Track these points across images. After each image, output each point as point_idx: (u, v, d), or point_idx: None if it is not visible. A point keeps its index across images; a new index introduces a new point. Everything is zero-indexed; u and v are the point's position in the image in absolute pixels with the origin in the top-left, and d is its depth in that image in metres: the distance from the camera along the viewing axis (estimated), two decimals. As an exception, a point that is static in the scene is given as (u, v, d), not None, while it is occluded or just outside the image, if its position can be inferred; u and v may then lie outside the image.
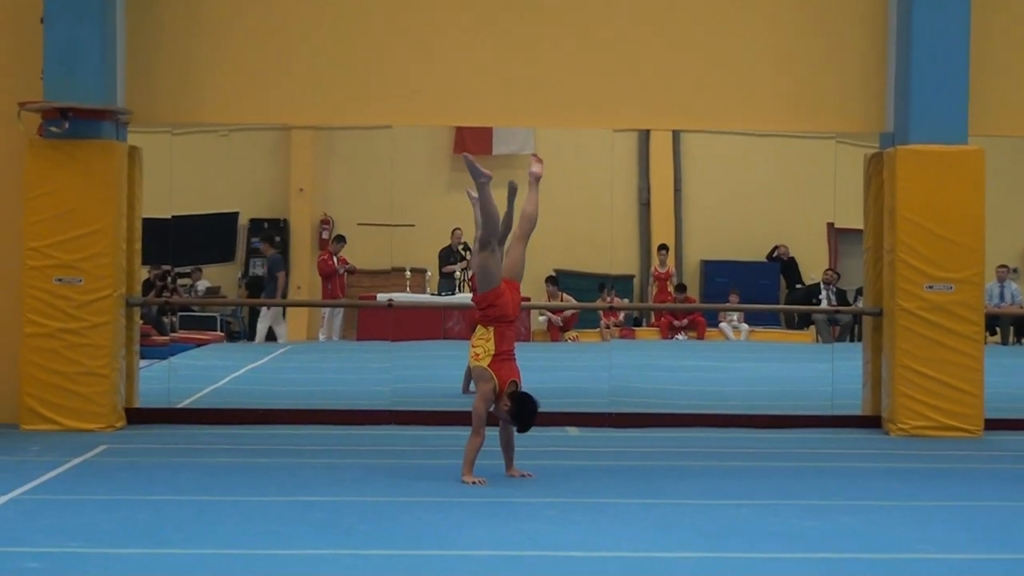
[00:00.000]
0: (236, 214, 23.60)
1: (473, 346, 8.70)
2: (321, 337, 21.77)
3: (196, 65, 11.69)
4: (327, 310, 21.77)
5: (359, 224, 22.86)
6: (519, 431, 8.71)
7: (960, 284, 11.25)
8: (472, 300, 8.77)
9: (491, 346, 8.62)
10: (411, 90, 11.79)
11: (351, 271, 22.30)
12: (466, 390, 13.02)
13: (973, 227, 11.27)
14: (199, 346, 19.27)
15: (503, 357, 8.63)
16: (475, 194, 9.30)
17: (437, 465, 9.38)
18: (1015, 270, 23.82)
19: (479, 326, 8.74)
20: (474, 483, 8.43)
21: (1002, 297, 22.90)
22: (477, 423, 8.54)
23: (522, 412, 8.56)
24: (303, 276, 23.53)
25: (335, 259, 22.18)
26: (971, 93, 11.37)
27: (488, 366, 8.58)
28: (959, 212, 11.26)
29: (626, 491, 8.45)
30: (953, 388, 11.23)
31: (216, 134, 22.78)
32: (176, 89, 11.68)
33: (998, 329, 22.50)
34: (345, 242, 22.27)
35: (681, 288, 22.52)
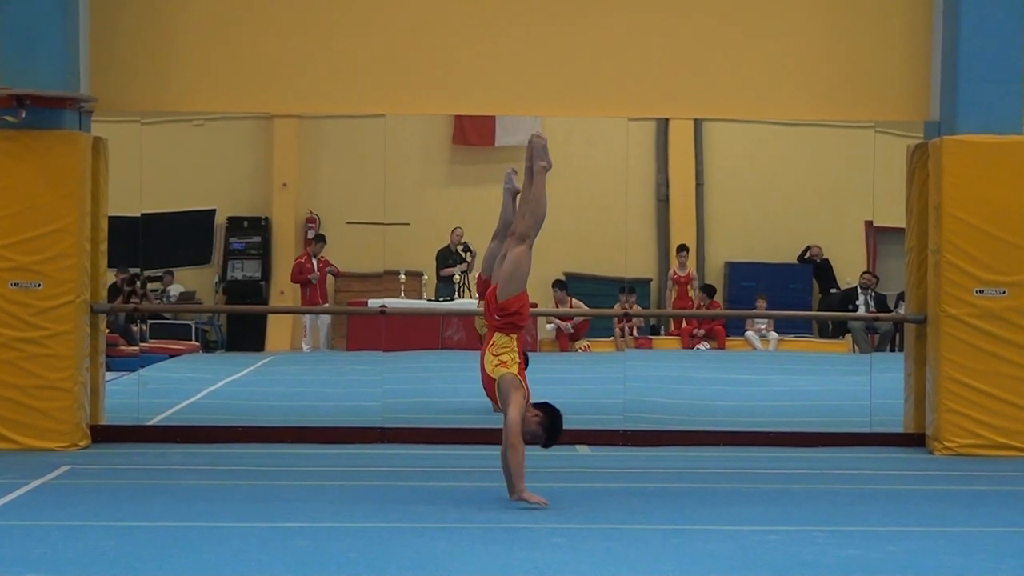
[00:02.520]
0: (213, 212, 23.61)
1: (496, 355, 8.67)
2: (305, 348, 21.78)
3: (168, 47, 11.69)
4: (308, 318, 21.78)
5: (348, 223, 22.88)
6: (545, 446, 8.72)
7: (1014, 288, 11.23)
8: (489, 303, 8.72)
9: (516, 355, 8.63)
10: (406, 75, 11.79)
11: (334, 273, 22.30)
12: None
13: (1028, 225, 11.25)
14: (172, 357, 19.29)
15: (523, 368, 8.67)
16: (516, 183, 9.25)
17: (433, 488, 9.37)
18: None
19: (498, 333, 8.71)
20: (536, 502, 8.43)
21: (1059, 303, 22.83)
22: (516, 435, 8.50)
23: (554, 424, 8.61)
24: (286, 280, 23.52)
25: (314, 261, 22.18)
26: (1025, 78, 11.35)
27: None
28: (1012, 208, 11.24)
29: (642, 516, 8.43)
30: (1005, 403, 11.20)
31: (190, 123, 22.81)
32: (145, 74, 11.68)
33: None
34: (325, 242, 22.28)
35: (708, 290, 22.50)
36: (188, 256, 23.41)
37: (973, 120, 11.31)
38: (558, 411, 8.66)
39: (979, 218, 11.22)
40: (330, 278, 22.77)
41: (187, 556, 7.17)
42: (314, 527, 7.94)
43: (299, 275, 22.02)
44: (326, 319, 21.65)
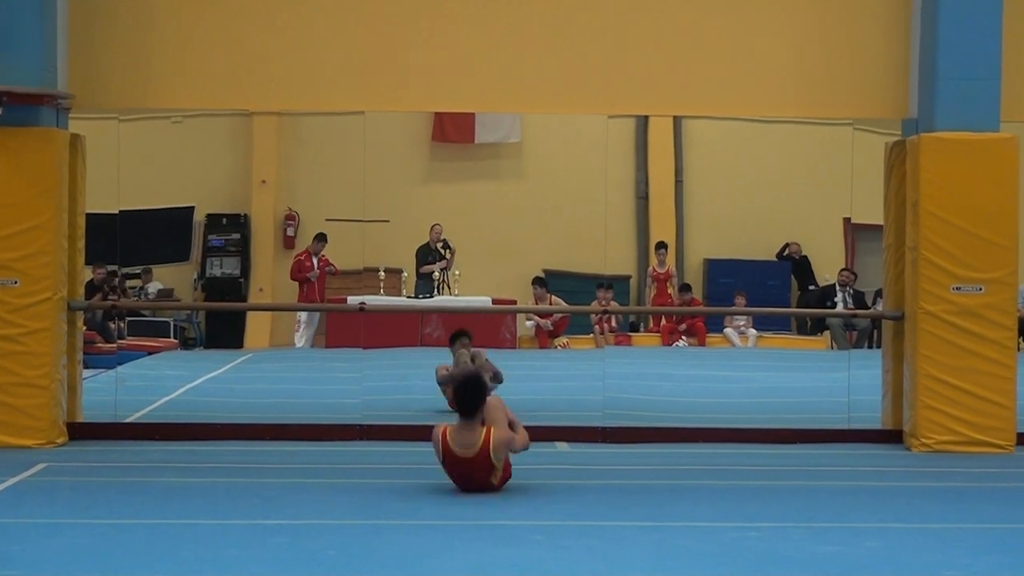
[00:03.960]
0: (191, 209, 23.55)
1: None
2: (298, 344, 21.74)
3: (146, 44, 11.64)
4: (303, 315, 21.73)
5: (328, 220, 22.84)
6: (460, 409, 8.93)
7: (990, 285, 11.27)
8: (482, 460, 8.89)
9: None
10: (385, 72, 11.77)
11: (333, 273, 22.29)
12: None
13: (1005, 222, 11.28)
14: (150, 354, 19.23)
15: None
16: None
17: (412, 485, 9.36)
18: (1051, 270, 23.86)
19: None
20: None
21: (1037, 300, 22.94)
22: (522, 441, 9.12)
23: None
24: (265, 277, 23.49)
25: (314, 260, 22.12)
26: (1003, 75, 11.37)
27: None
28: (989, 206, 11.27)
29: (621, 513, 8.44)
30: (982, 399, 11.24)
31: (169, 120, 22.74)
32: (123, 71, 11.64)
33: (1032, 335, 22.55)
34: (326, 241, 22.24)
35: (685, 288, 22.54)
36: (167, 253, 23.34)
37: (951, 117, 11.34)
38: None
39: (956, 215, 11.26)
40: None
41: (165, 553, 7.15)
42: (293, 524, 7.92)
43: (298, 273, 21.95)
44: (317, 317, 21.59)
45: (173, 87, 11.75)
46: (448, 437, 8.86)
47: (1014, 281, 11.39)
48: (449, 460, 8.89)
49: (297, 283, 22.04)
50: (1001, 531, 8.08)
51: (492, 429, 8.86)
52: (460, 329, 12.90)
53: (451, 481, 8.97)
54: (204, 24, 11.68)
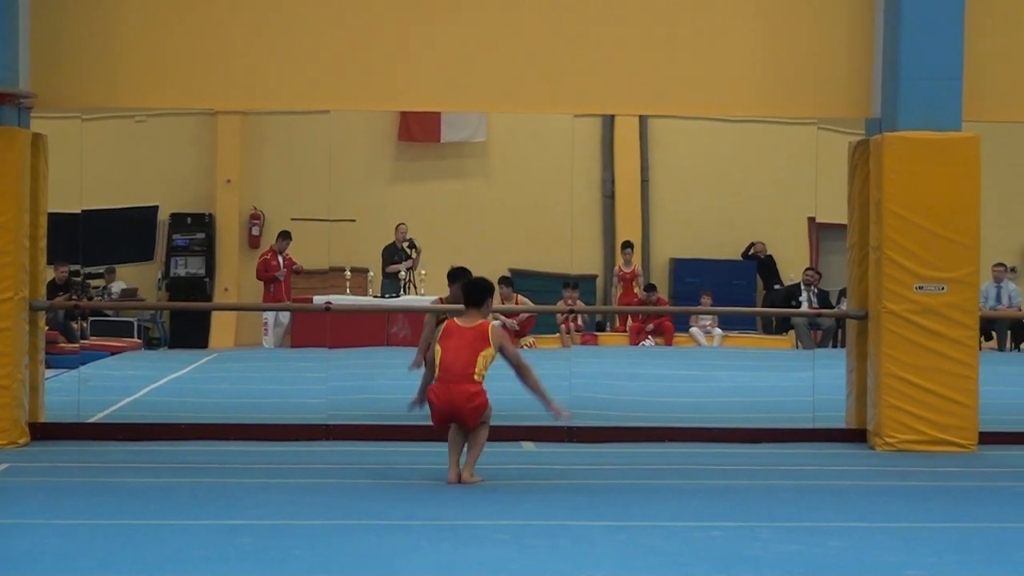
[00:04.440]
0: (155, 208, 23.47)
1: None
2: (266, 345, 21.67)
3: (109, 42, 11.59)
4: (270, 316, 21.64)
5: (293, 219, 22.80)
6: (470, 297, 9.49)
7: (953, 284, 11.34)
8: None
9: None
10: (351, 71, 11.76)
11: (298, 271, 22.23)
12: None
13: (967, 222, 11.36)
14: (113, 354, 19.15)
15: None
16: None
17: (378, 485, 9.36)
18: (1013, 269, 24.05)
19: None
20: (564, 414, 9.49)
21: (998, 299, 23.11)
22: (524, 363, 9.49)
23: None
24: (230, 276, 23.42)
25: (280, 258, 22.04)
26: (965, 75, 11.45)
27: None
28: (952, 205, 11.34)
29: (587, 512, 8.46)
30: (945, 399, 11.31)
31: (132, 120, 22.66)
32: (86, 69, 11.58)
33: (994, 334, 22.71)
34: (291, 239, 22.16)
35: (651, 288, 22.60)
36: (130, 253, 23.25)
37: (913, 117, 11.41)
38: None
39: (919, 215, 11.32)
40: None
41: (129, 554, 7.13)
42: (258, 524, 7.91)
43: (265, 272, 21.85)
44: (286, 317, 21.49)
45: (137, 86, 11.70)
46: (456, 320, 9.52)
47: (976, 280, 11.47)
48: (447, 332, 9.34)
49: (263, 283, 21.96)
50: (963, 530, 8.14)
51: (491, 323, 9.45)
52: (461, 268, 12.32)
53: (436, 377, 9.30)
54: (167, 22, 11.63)
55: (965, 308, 11.34)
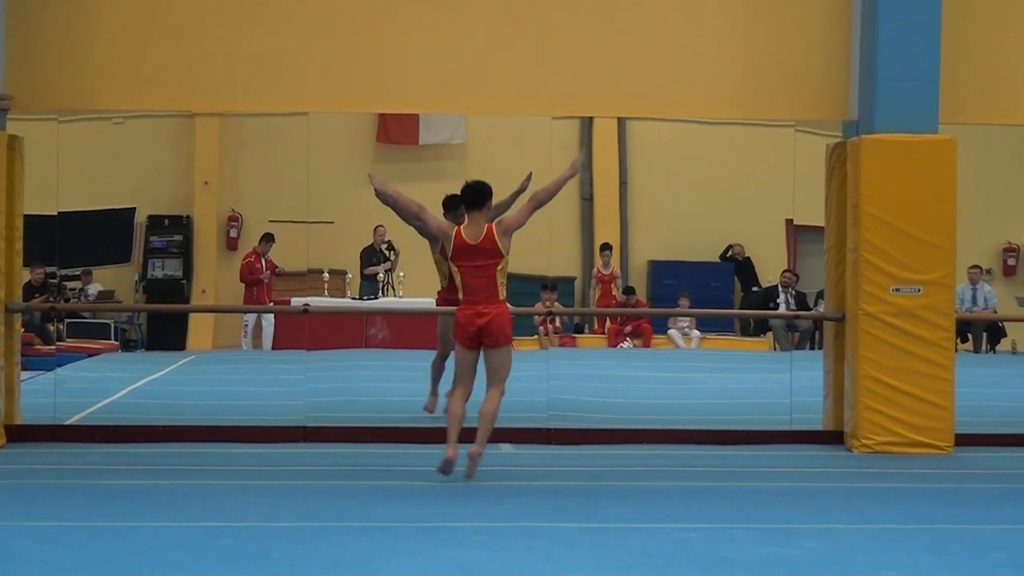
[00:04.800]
0: (132, 210, 23.40)
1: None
2: (244, 347, 21.64)
3: (86, 44, 11.57)
4: (250, 318, 21.58)
5: (271, 221, 22.77)
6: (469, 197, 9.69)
7: (929, 286, 11.38)
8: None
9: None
10: (329, 73, 11.75)
11: (280, 274, 22.19)
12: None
13: (943, 224, 11.40)
14: (90, 356, 19.09)
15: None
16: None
17: (356, 486, 9.36)
18: (988, 271, 24.19)
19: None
20: None
21: (974, 301, 23.23)
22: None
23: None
24: (208, 278, 23.37)
25: (263, 261, 21.98)
26: (942, 77, 11.51)
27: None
28: (928, 208, 11.39)
29: (564, 514, 8.47)
30: (921, 401, 11.35)
31: (109, 121, 22.60)
32: (63, 71, 11.55)
33: (970, 336, 22.82)
34: (274, 241, 22.12)
35: (629, 291, 22.64)
36: (107, 255, 23.18)
37: (890, 119, 11.46)
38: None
39: (896, 217, 11.36)
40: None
41: (106, 556, 7.11)
42: (236, 526, 7.90)
43: (249, 275, 21.78)
44: (268, 321, 21.42)
45: (114, 88, 11.66)
46: (463, 231, 9.64)
47: (951, 282, 11.52)
48: (458, 247, 9.58)
49: (246, 285, 21.90)
50: (940, 531, 8.18)
51: (493, 227, 9.68)
52: (453, 195, 12.19)
53: (462, 295, 9.63)
54: (145, 24, 11.60)
55: (941, 310, 11.38)
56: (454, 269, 9.73)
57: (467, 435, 9.66)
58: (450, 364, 10.65)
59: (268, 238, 22.12)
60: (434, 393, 12.63)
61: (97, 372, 17.13)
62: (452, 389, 9.89)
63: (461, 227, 9.70)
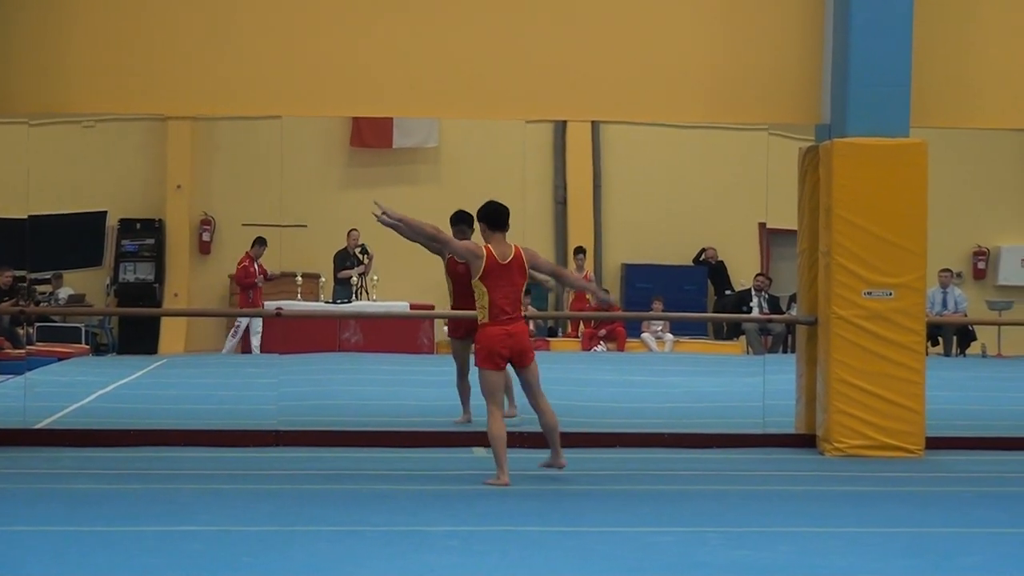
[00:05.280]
0: (104, 214, 23.31)
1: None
2: (225, 350, 21.43)
3: (57, 47, 11.51)
4: (242, 323, 21.42)
5: (244, 224, 22.72)
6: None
7: (900, 290, 11.42)
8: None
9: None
10: (302, 76, 11.72)
11: (270, 279, 22.13)
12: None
13: (914, 227, 11.45)
14: (60, 360, 18.99)
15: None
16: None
17: (328, 491, 9.33)
18: (959, 275, 24.30)
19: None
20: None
21: (945, 304, 23.34)
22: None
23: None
24: (180, 282, 23.30)
25: (256, 265, 21.87)
26: (913, 81, 11.55)
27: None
28: (900, 211, 11.43)
29: (537, 517, 8.47)
30: (892, 404, 11.39)
31: (80, 125, 22.49)
32: (33, 74, 11.48)
33: (940, 339, 22.92)
34: (266, 245, 22.05)
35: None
36: (78, 258, 23.08)
37: (862, 123, 11.49)
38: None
39: (867, 220, 11.40)
40: (232, 283, 22.61)
41: (77, 560, 7.07)
42: (207, 531, 7.87)
43: (246, 278, 21.62)
44: (258, 326, 21.28)
45: (85, 91, 11.61)
46: (492, 250, 9.70)
47: (922, 286, 11.56)
48: (489, 266, 9.63)
49: (241, 288, 21.72)
50: (911, 534, 8.20)
51: (520, 249, 9.82)
52: (462, 211, 12.42)
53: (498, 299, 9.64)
54: (116, 27, 11.55)
55: (912, 313, 11.42)
56: (481, 288, 9.68)
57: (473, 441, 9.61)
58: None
59: (260, 242, 21.99)
60: (467, 411, 12.61)
61: (68, 376, 17.05)
62: (492, 413, 9.77)
63: (489, 246, 9.73)
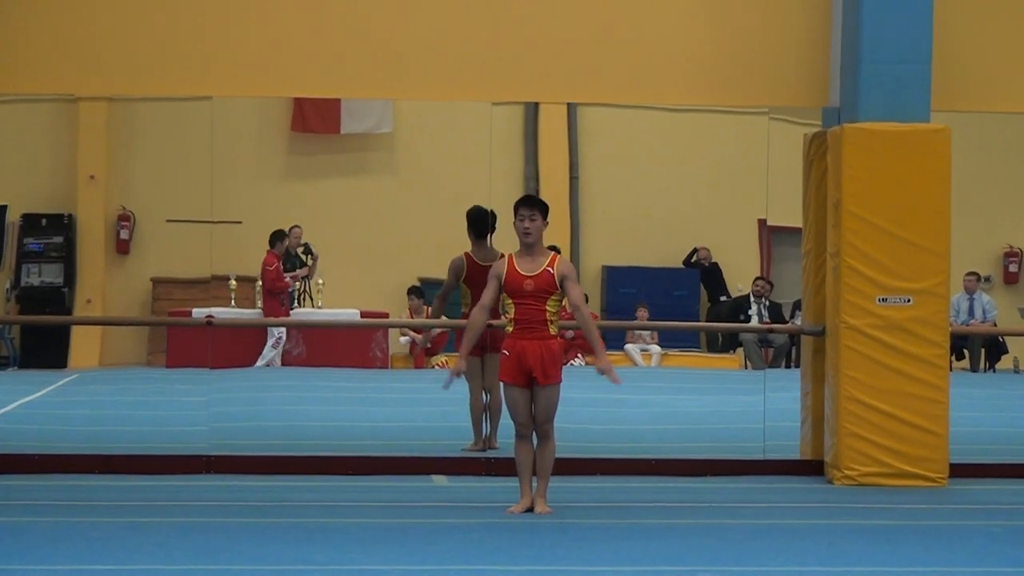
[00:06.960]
0: (4, 208, 23.24)
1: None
2: (263, 360, 21.23)
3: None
4: (283, 332, 21.16)
5: (169, 221, 22.68)
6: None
7: (920, 296, 11.48)
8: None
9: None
10: (237, 52, 11.72)
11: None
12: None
13: (936, 225, 11.51)
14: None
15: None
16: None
17: (267, 524, 9.33)
18: (987, 279, 24.43)
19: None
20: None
21: (971, 312, 23.48)
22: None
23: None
24: (94, 286, 23.25)
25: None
26: (935, 59, 11.61)
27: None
28: (919, 206, 11.49)
29: (506, 555, 8.48)
30: (911, 426, 11.44)
31: (-23, 106, 22.41)
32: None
33: (966, 352, 23.05)
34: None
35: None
36: (-27, 259, 23.01)
37: (876, 106, 11.54)
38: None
39: (882, 217, 11.44)
40: (155, 287, 22.55)
41: (-24, 607, 7.06)
42: (127, 570, 7.86)
43: (278, 281, 21.25)
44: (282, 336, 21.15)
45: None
46: (514, 261, 9.73)
47: (945, 292, 11.61)
48: (513, 282, 9.65)
49: (268, 295, 21.43)
50: (933, 574, 8.25)
51: (558, 257, 9.81)
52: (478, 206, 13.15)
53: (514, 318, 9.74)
54: (22, -6, 11.52)
55: (934, 323, 11.48)
56: (507, 301, 9.82)
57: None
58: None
59: (280, 236, 21.72)
60: (493, 432, 12.79)
61: (-37, 394, 16.99)
62: (515, 435, 9.85)
63: (513, 257, 9.79)
